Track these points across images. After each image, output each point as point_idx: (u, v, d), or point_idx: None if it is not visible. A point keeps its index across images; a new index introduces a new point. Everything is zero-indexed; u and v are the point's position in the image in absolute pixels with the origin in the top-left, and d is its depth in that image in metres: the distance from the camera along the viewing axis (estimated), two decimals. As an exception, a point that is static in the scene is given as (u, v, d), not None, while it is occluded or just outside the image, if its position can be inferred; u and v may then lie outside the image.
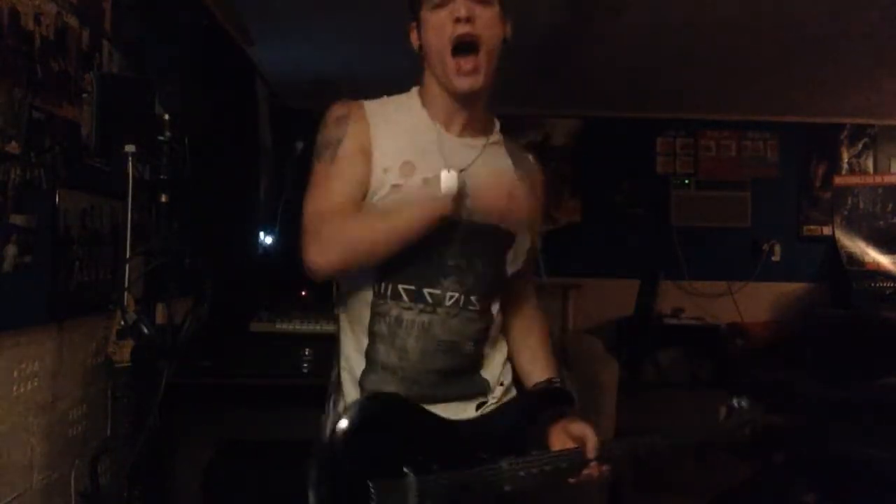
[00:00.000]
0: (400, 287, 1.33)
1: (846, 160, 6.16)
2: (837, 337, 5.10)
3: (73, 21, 1.93)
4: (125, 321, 1.87)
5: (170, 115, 2.05)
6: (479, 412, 1.42)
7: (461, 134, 1.40)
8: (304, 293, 3.40)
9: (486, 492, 1.31)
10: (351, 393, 1.40)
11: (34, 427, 1.82)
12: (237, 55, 4.08)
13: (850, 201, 6.13)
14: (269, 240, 4.49)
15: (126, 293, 1.89)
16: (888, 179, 6.12)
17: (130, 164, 1.99)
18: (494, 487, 1.31)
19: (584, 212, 6.03)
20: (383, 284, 1.34)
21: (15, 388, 1.73)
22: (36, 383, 1.82)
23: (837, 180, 6.13)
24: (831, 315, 5.65)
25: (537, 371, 1.52)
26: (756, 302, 5.96)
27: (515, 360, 1.54)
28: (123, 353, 1.90)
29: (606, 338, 4.66)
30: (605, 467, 1.35)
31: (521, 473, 1.33)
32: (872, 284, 5.82)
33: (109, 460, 2.09)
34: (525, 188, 1.42)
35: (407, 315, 1.33)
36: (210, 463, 2.53)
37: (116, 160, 2.06)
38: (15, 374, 1.72)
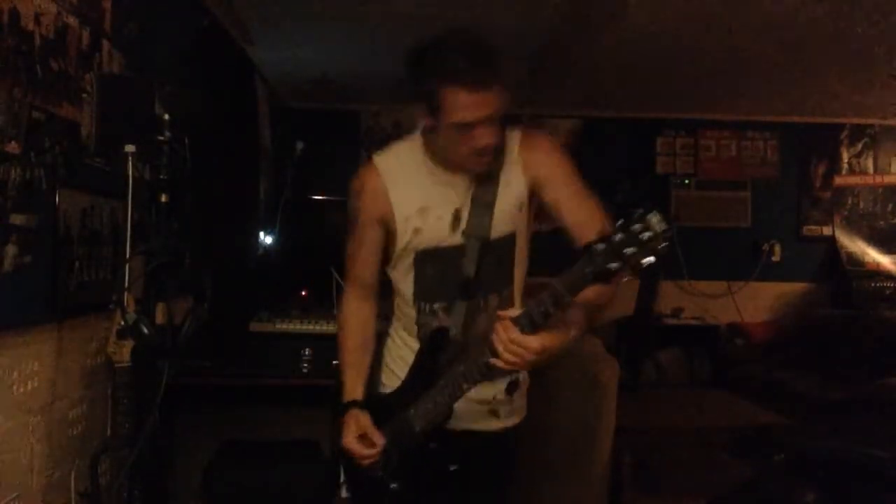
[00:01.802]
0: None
1: (846, 160, 6.16)
2: (837, 337, 5.11)
3: (73, 21, 1.93)
4: (125, 321, 1.87)
5: (170, 115, 2.05)
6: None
7: (456, 173, 1.58)
8: (304, 293, 3.40)
9: (405, 441, 1.58)
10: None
11: (34, 427, 1.82)
12: (237, 55, 4.08)
13: (850, 201, 6.13)
14: (269, 240, 4.49)
15: (126, 293, 1.89)
16: (888, 179, 6.12)
17: (130, 164, 1.99)
18: (410, 434, 1.57)
19: (584, 212, 6.02)
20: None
21: (15, 388, 1.73)
22: (36, 383, 1.82)
23: (837, 180, 6.13)
24: (831, 315, 5.65)
25: None
26: (756, 302, 5.96)
27: None
28: (123, 353, 1.90)
29: (606, 338, 4.66)
30: (513, 356, 1.34)
31: (429, 405, 1.54)
32: (872, 284, 5.82)
33: (109, 460, 2.09)
34: (516, 181, 1.58)
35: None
36: (210, 463, 2.53)
37: (116, 160, 2.06)
38: (15, 374, 1.72)
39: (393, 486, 1.61)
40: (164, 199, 2.00)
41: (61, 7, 1.87)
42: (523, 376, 1.70)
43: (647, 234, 1.14)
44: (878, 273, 5.94)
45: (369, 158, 1.67)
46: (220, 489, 2.46)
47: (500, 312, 1.37)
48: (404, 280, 1.65)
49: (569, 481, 2.70)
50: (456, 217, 1.57)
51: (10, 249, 1.67)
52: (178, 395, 2.02)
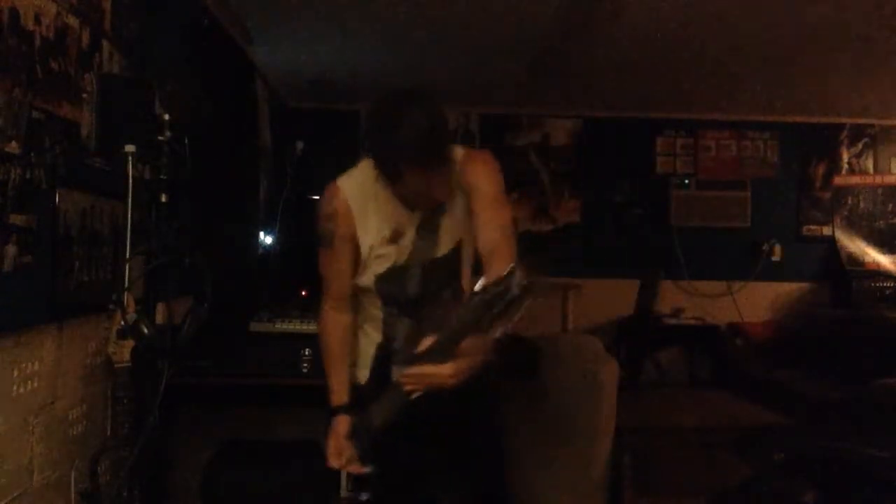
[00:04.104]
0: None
1: (846, 160, 6.16)
2: (837, 337, 5.10)
3: (73, 21, 1.93)
4: (125, 321, 1.87)
5: (170, 115, 2.05)
6: None
7: (414, 209, 1.78)
8: (304, 293, 3.40)
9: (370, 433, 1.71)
10: None
11: (34, 427, 1.82)
12: (237, 55, 4.08)
13: (850, 201, 6.13)
14: (269, 240, 4.49)
15: (126, 293, 1.89)
16: (888, 179, 6.12)
17: (130, 164, 1.98)
18: (370, 428, 1.71)
19: (584, 212, 6.03)
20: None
21: (15, 388, 1.73)
22: (36, 383, 1.82)
23: (837, 180, 6.13)
24: (831, 315, 5.65)
25: None
26: (756, 302, 5.96)
27: None
28: (123, 353, 1.90)
29: (606, 338, 4.66)
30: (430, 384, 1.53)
31: (384, 404, 1.67)
32: (872, 284, 5.82)
33: (109, 460, 2.09)
34: (458, 201, 1.77)
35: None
36: (210, 463, 2.53)
37: (116, 160, 2.05)
38: (15, 374, 1.72)
39: (367, 469, 1.75)
40: (164, 199, 2.00)
41: (61, 7, 1.87)
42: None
43: (508, 295, 1.29)
44: (878, 273, 5.93)
45: (333, 182, 1.83)
46: (220, 489, 2.46)
47: (417, 351, 1.51)
48: (370, 291, 1.85)
49: (569, 481, 2.70)
50: (404, 241, 1.78)
51: (10, 249, 1.67)
52: (178, 395, 2.02)
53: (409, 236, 1.79)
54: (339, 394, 1.85)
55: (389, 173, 1.67)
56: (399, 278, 1.80)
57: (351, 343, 1.91)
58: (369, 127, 1.71)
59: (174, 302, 2.06)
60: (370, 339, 1.90)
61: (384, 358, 1.84)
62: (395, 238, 1.78)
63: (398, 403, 1.63)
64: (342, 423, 1.79)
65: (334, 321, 1.89)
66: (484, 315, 1.32)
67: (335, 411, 1.84)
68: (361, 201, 1.79)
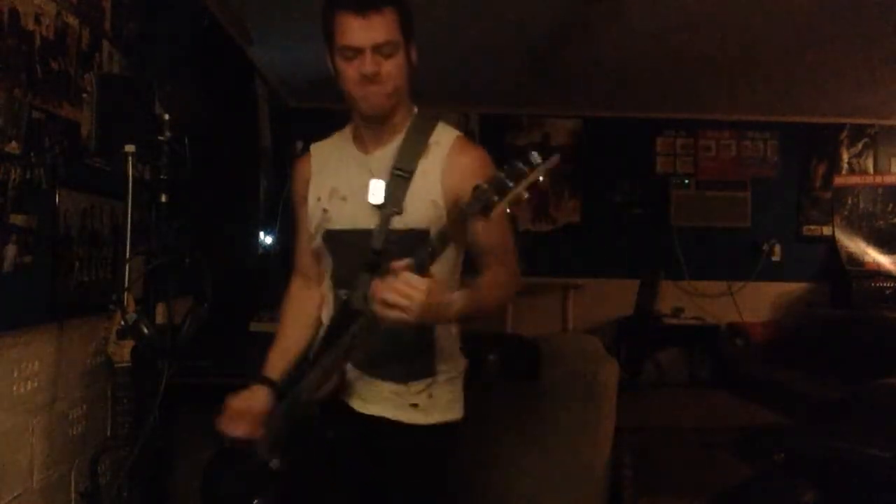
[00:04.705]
0: None
1: (846, 160, 6.16)
2: (837, 337, 5.11)
3: (73, 21, 1.93)
4: (125, 321, 1.87)
5: (170, 115, 2.05)
6: None
7: (371, 150, 1.58)
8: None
9: (293, 413, 1.55)
10: None
11: (34, 427, 1.82)
12: (237, 55, 4.08)
13: (850, 201, 6.13)
14: (269, 240, 4.49)
15: (126, 293, 1.89)
16: (888, 179, 6.12)
17: (130, 164, 1.98)
18: (296, 405, 1.54)
19: (584, 212, 6.03)
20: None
21: (15, 388, 1.73)
22: (36, 383, 1.82)
23: (837, 180, 6.13)
24: (831, 315, 5.65)
25: None
26: (756, 302, 5.96)
27: None
28: (123, 353, 1.90)
29: (606, 338, 4.66)
30: (397, 297, 1.28)
31: (317, 373, 1.50)
32: (872, 284, 5.82)
33: (109, 460, 2.08)
34: (433, 175, 1.53)
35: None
36: (210, 463, 2.52)
37: (116, 160, 2.05)
38: (15, 374, 1.72)
39: (273, 462, 1.56)
40: (164, 199, 2.00)
41: (61, 7, 1.87)
42: (442, 367, 1.58)
43: (524, 167, 1.19)
44: (878, 273, 5.93)
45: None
46: (220, 489, 2.46)
47: (393, 264, 1.30)
48: (322, 262, 1.66)
49: (569, 481, 2.70)
50: (366, 197, 1.52)
51: (10, 249, 1.67)
52: (178, 395, 2.02)
53: (374, 188, 1.52)
54: (272, 364, 1.63)
55: (326, 33, 1.47)
56: (361, 239, 1.52)
57: (312, 327, 1.68)
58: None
59: (174, 302, 2.06)
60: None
61: (331, 336, 1.52)
62: (346, 193, 1.57)
63: (331, 369, 1.47)
64: (258, 392, 1.58)
65: (291, 295, 1.75)
66: (493, 194, 1.17)
67: (258, 380, 1.61)
68: (325, 157, 1.66)
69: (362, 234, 1.52)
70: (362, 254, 1.51)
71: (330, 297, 1.63)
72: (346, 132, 1.66)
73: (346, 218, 1.57)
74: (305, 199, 1.66)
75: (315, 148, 1.70)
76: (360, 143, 1.60)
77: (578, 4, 3.54)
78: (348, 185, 1.58)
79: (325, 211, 1.59)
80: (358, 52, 1.44)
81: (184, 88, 2.80)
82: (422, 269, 1.28)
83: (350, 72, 1.47)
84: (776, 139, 6.10)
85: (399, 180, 1.51)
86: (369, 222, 1.52)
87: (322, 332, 1.60)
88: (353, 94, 1.50)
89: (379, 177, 1.53)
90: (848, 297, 5.77)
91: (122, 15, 2.25)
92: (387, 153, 1.56)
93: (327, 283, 1.64)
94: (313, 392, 1.50)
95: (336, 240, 1.59)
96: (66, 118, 1.92)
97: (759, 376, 5.27)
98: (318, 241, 1.62)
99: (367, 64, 1.44)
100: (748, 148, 6.11)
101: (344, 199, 1.57)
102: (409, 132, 1.57)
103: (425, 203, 1.51)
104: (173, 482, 2.55)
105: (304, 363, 1.59)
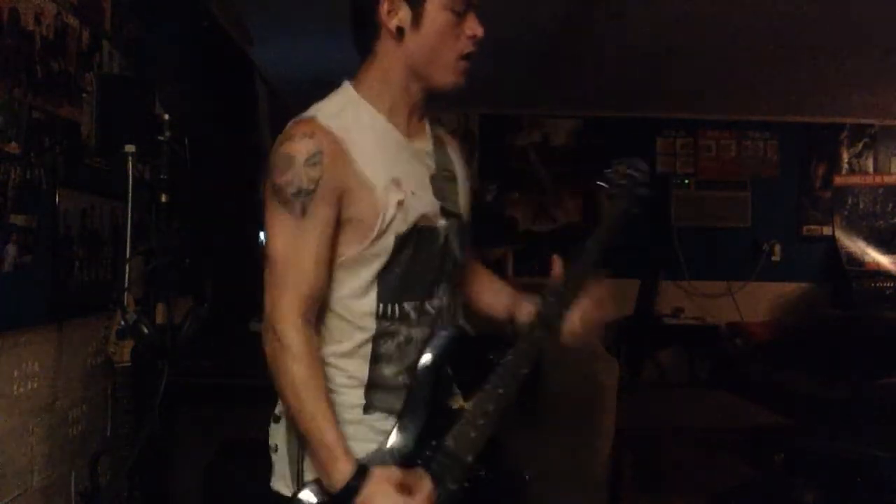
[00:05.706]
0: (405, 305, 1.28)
1: (846, 160, 6.16)
2: (837, 337, 5.10)
3: (73, 21, 1.93)
4: (125, 321, 1.87)
5: (170, 115, 2.05)
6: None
7: (412, 137, 1.33)
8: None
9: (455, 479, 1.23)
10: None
11: (34, 427, 1.82)
12: (237, 55, 4.08)
13: (850, 201, 6.13)
14: (269, 240, 4.48)
15: (126, 293, 1.89)
16: (888, 179, 6.12)
17: (130, 164, 1.99)
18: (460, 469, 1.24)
19: (584, 212, 6.03)
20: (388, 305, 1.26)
21: (15, 388, 1.73)
22: (36, 383, 1.82)
23: (837, 180, 6.13)
24: (831, 315, 5.65)
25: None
26: (756, 302, 5.95)
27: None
28: (123, 353, 1.90)
29: (606, 338, 4.65)
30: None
31: (467, 429, 1.27)
32: (872, 284, 5.82)
33: (109, 460, 2.08)
34: (462, 174, 1.41)
35: (416, 333, 1.28)
36: (210, 463, 2.53)
37: (116, 160, 2.06)
38: (15, 374, 1.72)
39: None
40: (164, 199, 2.01)
41: (61, 7, 1.87)
42: None
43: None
44: (878, 273, 5.93)
45: (310, 119, 1.26)
46: (220, 489, 2.46)
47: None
48: (361, 280, 1.24)
49: (569, 481, 2.70)
50: (429, 193, 1.29)
51: (10, 249, 1.67)
52: (178, 395, 2.02)
53: (421, 183, 1.28)
54: (346, 447, 1.16)
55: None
56: (437, 237, 1.27)
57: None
58: None
59: (174, 302, 2.06)
60: (354, 387, 1.25)
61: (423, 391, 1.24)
62: (412, 184, 1.26)
63: (498, 416, 1.24)
64: (393, 471, 1.16)
65: (305, 340, 1.17)
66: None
67: (362, 472, 1.13)
68: (353, 136, 1.22)
69: (436, 235, 1.29)
70: (434, 259, 1.28)
71: (370, 326, 1.25)
72: (362, 103, 1.29)
73: (421, 216, 1.26)
74: (337, 193, 1.20)
75: (334, 122, 1.23)
76: (400, 127, 1.31)
77: (579, 4, 3.54)
78: (410, 177, 1.26)
79: (399, 203, 1.22)
80: (472, 5, 1.25)
81: (184, 88, 2.80)
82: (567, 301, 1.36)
83: (459, 30, 1.25)
84: (776, 139, 6.10)
85: (445, 178, 1.34)
86: (436, 222, 1.29)
87: (407, 394, 1.25)
88: (446, 59, 1.27)
89: (431, 171, 1.32)
90: (848, 297, 5.76)
91: (122, 15, 2.25)
92: (424, 145, 1.35)
93: (355, 312, 1.25)
94: (476, 450, 1.26)
95: (421, 239, 1.26)
96: (66, 118, 1.92)
97: (759, 376, 5.26)
98: (382, 246, 1.23)
99: (478, 25, 1.25)
100: (748, 148, 6.11)
101: (413, 193, 1.25)
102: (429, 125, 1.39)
103: (468, 202, 1.39)
104: (173, 482, 2.55)
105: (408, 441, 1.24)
